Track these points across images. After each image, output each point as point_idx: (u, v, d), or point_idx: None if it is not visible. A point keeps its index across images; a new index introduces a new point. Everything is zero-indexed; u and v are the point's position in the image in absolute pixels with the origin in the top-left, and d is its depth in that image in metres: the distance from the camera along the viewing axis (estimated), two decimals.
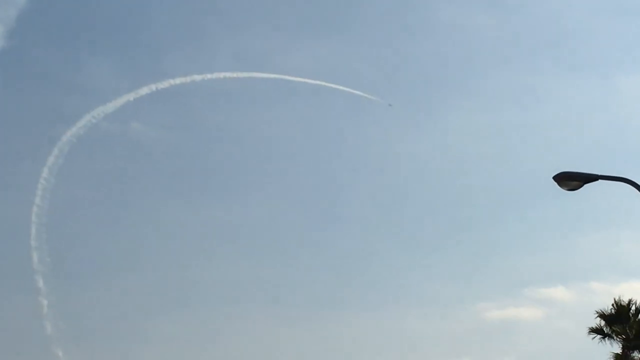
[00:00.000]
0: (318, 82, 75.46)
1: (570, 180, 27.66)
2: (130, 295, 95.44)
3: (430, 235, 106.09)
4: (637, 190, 28.39)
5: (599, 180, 28.07)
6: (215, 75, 71.43)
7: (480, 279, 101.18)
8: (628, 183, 28.43)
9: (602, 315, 54.73)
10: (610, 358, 54.41)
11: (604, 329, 54.56)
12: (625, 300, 54.60)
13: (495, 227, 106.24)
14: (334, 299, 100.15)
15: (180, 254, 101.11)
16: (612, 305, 54.69)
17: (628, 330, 53.78)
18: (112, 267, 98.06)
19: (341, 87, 74.62)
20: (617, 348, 54.20)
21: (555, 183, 27.72)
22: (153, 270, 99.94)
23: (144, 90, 67.89)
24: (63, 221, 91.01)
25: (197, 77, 69.92)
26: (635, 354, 53.29)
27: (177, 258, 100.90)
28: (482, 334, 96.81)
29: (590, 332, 54.79)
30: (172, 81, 68.86)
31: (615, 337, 54.28)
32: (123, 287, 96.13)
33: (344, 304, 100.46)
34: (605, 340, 54.51)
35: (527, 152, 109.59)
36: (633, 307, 54.13)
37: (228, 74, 73.31)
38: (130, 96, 67.93)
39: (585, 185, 27.86)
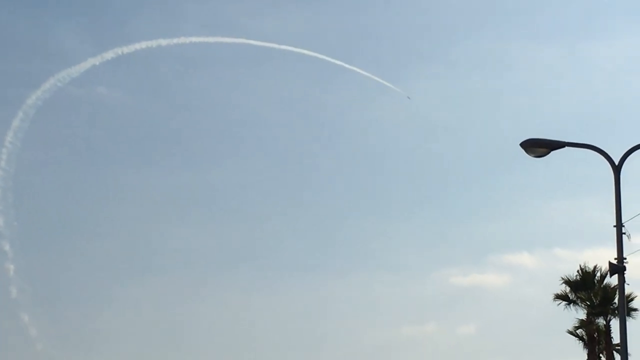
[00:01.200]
0: (286, 47, 74.96)
1: (537, 147, 27.62)
2: (98, 260, 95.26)
3: (397, 202, 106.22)
4: (603, 157, 28.39)
5: (566, 147, 28.04)
6: (181, 40, 70.78)
7: (446, 245, 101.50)
8: (594, 150, 28.42)
9: (567, 282, 54.92)
10: (575, 324, 54.72)
11: (569, 295, 54.78)
12: (590, 266, 54.84)
13: (462, 194, 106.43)
14: (301, 264, 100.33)
15: (147, 218, 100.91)
16: (578, 271, 54.90)
17: (593, 297, 54.01)
18: (79, 232, 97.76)
19: (308, 52, 74.22)
20: (582, 314, 54.51)
21: (522, 150, 27.69)
22: (120, 234, 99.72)
23: (110, 55, 67.17)
24: (29, 185, 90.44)
25: (163, 42, 69.27)
26: (600, 320, 53.55)
27: (144, 222, 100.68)
28: (447, 300, 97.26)
29: (555, 298, 55.00)
30: (137, 45, 68.16)
31: (580, 304, 54.51)
32: (90, 251, 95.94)
33: (311, 269, 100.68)
34: (570, 307, 54.78)
35: (494, 119, 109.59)
36: (598, 274, 54.36)
37: (194, 39, 72.67)
38: (96, 60, 67.20)
39: (552, 152, 27.83)
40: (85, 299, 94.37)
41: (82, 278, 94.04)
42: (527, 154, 27.67)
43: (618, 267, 31.92)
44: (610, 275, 32.85)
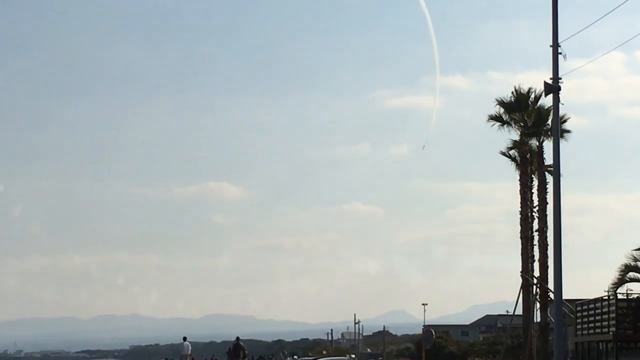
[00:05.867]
0: None
1: None
2: (38, 79, 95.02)
3: (332, 25, 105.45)
4: None
5: None
6: None
7: (381, 67, 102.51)
8: None
9: (501, 103, 55.15)
10: (508, 145, 55.30)
11: (503, 116, 55.11)
12: (525, 88, 55.02)
13: (395, 16, 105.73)
14: (238, 85, 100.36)
15: (87, 37, 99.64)
16: (512, 93, 55.07)
17: (526, 118, 54.42)
18: (18, 50, 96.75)
19: None
20: (515, 135, 55.01)
21: None
22: (61, 52, 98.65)
23: None
24: None
25: None
26: (533, 142, 54.15)
27: (83, 41, 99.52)
28: (382, 121, 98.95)
29: (489, 119, 55.33)
30: None
31: (513, 125, 54.93)
32: (30, 69, 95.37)
33: (248, 90, 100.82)
34: (504, 128, 55.20)
35: None
36: (532, 96, 54.60)
37: None
38: None
39: None
40: (24, 118, 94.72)
41: (22, 97, 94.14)
42: None
43: (553, 87, 32.11)
44: (545, 95, 33.05)
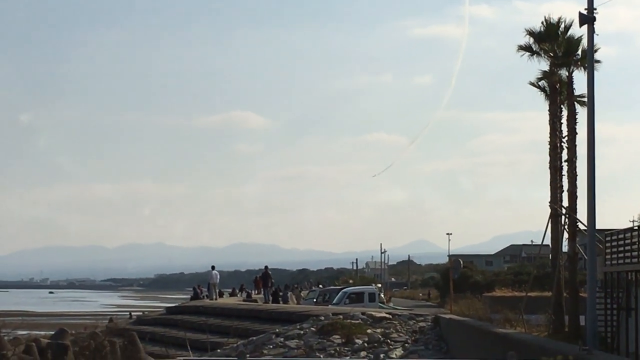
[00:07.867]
0: None
1: None
2: (64, 7, 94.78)
3: None
4: None
5: None
6: None
7: None
8: None
9: (531, 33, 54.70)
10: (538, 75, 55.01)
11: (533, 46, 54.70)
12: (554, 18, 54.53)
13: None
14: (261, 15, 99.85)
15: None
16: (542, 23, 54.57)
17: (556, 48, 54.03)
18: None
19: None
20: (544, 65, 54.66)
21: None
22: None
23: None
24: None
25: None
26: (563, 72, 53.86)
27: None
28: (405, 51, 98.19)
29: (519, 49, 54.91)
30: None
31: (543, 55, 54.54)
32: None
33: (271, 20, 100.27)
34: (533, 58, 54.81)
35: None
36: (562, 25, 54.14)
37: None
38: None
39: None
40: (49, 48, 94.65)
41: (47, 27, 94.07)
42: None
43: (588, 17, 31.94)
44: (580, 26, 32.85)
